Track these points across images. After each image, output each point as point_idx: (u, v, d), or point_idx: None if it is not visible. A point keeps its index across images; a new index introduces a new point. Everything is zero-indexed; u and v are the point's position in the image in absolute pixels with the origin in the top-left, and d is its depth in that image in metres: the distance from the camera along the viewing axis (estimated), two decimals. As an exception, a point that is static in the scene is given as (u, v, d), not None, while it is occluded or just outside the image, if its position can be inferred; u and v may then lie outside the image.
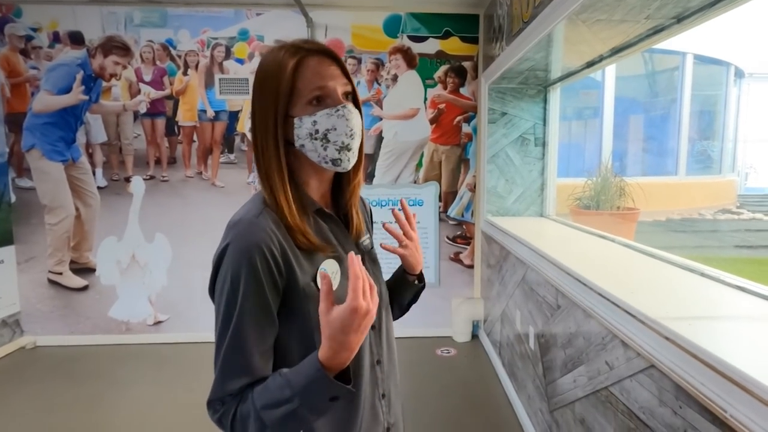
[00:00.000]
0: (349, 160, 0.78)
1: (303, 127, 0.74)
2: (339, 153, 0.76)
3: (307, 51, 0.75)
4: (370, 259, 0.90)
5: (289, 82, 0.73)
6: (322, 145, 0.75)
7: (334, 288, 0.76)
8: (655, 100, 8.20)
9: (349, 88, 0.78)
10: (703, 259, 1.61)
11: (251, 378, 0.70)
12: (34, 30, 3.14)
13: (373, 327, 0.84)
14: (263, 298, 0.71)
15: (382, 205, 3.36)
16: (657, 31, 1.80)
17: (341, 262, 0.80)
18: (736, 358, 0.86)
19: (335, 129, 0.74)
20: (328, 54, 0.76)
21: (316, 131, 0.74)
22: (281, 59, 0.74)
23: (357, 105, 0.79)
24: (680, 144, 7.37)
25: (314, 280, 0.75)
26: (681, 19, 1.66)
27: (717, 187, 8.19)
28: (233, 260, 0.70)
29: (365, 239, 0.90)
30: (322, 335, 0.66)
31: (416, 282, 1.00)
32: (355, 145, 0.78)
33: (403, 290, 1.00)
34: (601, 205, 3.37)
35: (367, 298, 0.65)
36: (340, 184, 0.86)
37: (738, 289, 1.31)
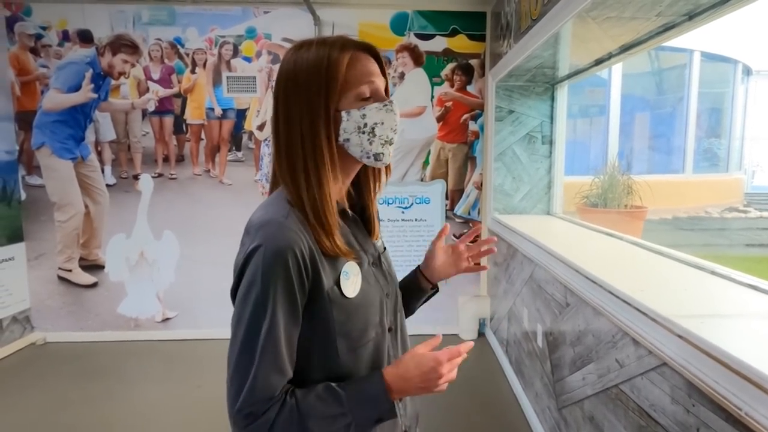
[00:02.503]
0: (390, 155, 0.79)
1: (351, 120, 0.74)
2: (383, 147, 0.77)
3: (355, 47, 0.75)
4: (385, 259, 0.89)
5: (342, 76, 0.73)
6: (368, 139, 0.75)
7: (355, 292, 0.76)
8: (661, 98, 8.15)
9: (385, 85, 0.79)
10: (712, 257, 1.61)
11: (284, 378, 0.70)
12: (44, 28, 3.16)
13: (390, 329, 0.84)
14: (294, 300, 0.70)
15: (389, 203, 3.37)
16: (668, 28, 1.79)
17: (362, 264, 0.80)
18: (750, 355, 0.86)
19: (383, 123, 0.75)
20: (372, 51, 0.78)
21: (365, 125, 0.74)
22: (330, 55, 0.73)
23: None
24: (687, 142, 7.34)
25: (337, 283, 0.74)
26: (693, 16, 1.65)
27: (724, 185, 8.15)
28: (264, 262, 0.68)
29: (380, 239, 0.90)
30: (397, 363, 0.75)
31: (431, 289, 1.01)
32: (396, 141, 0.79)
33: (417, 293, 1.00)
34: (609, 203, 3.37)
35: (450, 369, 0.74)
36: (358, 183, 0.86)
37: (749, 287, 1.31)
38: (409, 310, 1.01)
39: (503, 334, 2.97)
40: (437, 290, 1.02)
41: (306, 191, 0.73)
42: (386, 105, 0.76)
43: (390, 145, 0.78)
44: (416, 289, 1.00)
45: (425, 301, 1.03)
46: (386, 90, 0.79)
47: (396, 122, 0.77)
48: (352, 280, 0.76)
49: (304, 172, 0.73)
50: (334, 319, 0.73)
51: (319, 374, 0.75)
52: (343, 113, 0.74)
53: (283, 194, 0.76)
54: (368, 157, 0.77)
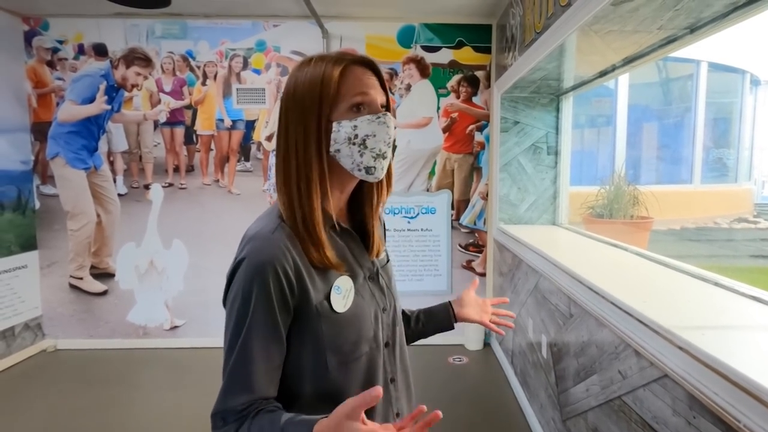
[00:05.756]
0: (383, 169, 0.78)
1: (342, 131, 0.74)
2: (374, 161, 0.75)
3: (351, 60, 0.76)
4: (385, 273, 0.88)
5: (334, 88, 0.73)
6: (359, 151, 0.74)
7: (348, 306, 0.76)
8: (669, 108, 8.13)
9: (385, 99, 0.78)
10: (717, 268, 1.61)
11: (252, 396, 0.70)
12: (60, 42, 3.26)
13: (387, 344, 0.83)
14: (272, 316, 0.70)
15: (395, 213, 3.39)
16: (670, 41, 1.82)
17: (355, 278, 0.79)
18: (750, 368, 0.87)
19: (374, 135, 0.74)
20: (370, 65, 0.78)
21: (356, 136, 0.74)
22: (325, 68, 0.74)
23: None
24: (695, 152, 7.30)
25: (327, 298, 0.74)
26: (694, 29, 1.67)
27: (733, 195, 8.07)
28: (246, 276, 0.69)
29: (382, 254, 0.90)
30: (332, 417, 0.62)
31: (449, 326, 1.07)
32: (390, 155, 0.78)
33: (443, 324, 1.05)
34: (614, 214, 3.35)
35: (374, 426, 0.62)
36: (358, 198, 0.85)
37: (753, 299, 1.31)
38: (419, 336, 1.05)
39: (509, 345, 2.97)
40: (453, 328, 1.08)
41: (297, 202, 0.74)
42: (379, 117, 0.75)
43: (383, 158, 0.76)
44: (444, 320, 1.05)
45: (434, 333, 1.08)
46: (388, 105, 0.79)
47: (389, 135, 0.76)
48: (343, 295, 0.76)
49: (296, 183, 0.74)
50: (324, 334, 0.73)
51: (310, 389, 0.75)
52: (335, 124, 0.74)
53: (277, 207, 0.77)
54: (359, 170, 0.76)
